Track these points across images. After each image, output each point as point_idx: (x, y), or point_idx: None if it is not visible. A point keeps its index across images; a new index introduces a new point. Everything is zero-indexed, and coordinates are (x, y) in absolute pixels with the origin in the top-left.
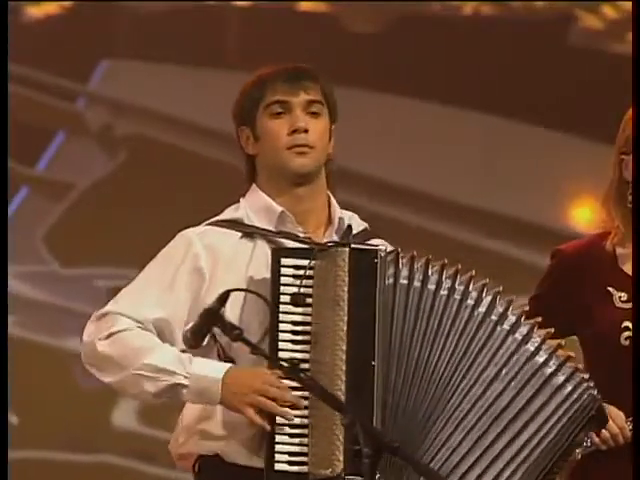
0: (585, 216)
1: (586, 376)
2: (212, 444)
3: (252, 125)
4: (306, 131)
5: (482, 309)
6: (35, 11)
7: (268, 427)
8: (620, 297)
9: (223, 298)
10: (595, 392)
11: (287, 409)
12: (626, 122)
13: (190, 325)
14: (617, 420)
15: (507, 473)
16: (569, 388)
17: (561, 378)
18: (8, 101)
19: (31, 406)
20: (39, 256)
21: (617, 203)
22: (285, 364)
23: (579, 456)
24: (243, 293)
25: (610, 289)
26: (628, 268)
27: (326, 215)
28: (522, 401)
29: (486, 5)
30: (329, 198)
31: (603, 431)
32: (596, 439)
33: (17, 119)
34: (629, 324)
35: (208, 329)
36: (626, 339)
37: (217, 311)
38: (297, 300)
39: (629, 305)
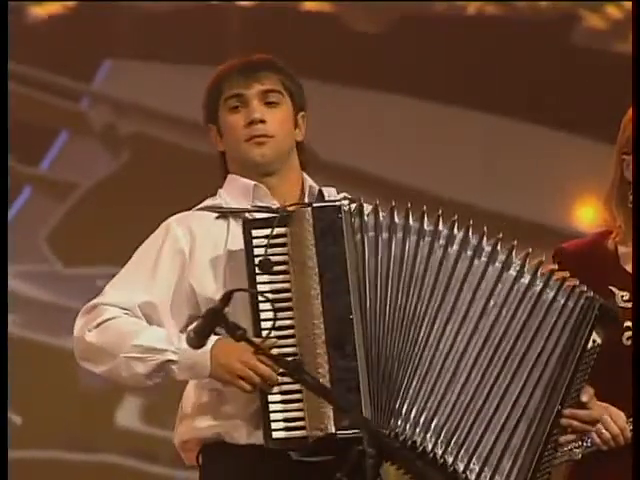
0: (588, 215)
1: (576, 282)
2: (212, 425)
3: (216, 122)
4: (263, 121)
5: (455, 246)
6: (39, 11)
7: (249, 389)
8: (622, 296)
9: (226, 298)
10: (591, 294)
11: (272, 377)
12: (627, 122)
13: (193, 325)
14: (618, 421)
15: (525, 397)
16: (562, 300)
17: (551, 294)
18: (8, 100)
19: (34, 406)
20: (42, 256)
21: (619, 203)
22: (290, 364)
23: (579, 456)
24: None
25: (612, 288)
26: (630, 267)
27: (299, 189)
28: (518, 326)
29: (490, 5)
30: (302, 177)
31: (604, 431)
32: (597, 440)
33: (20, 119)
34: (631, 324)
35: (211, 329)
36: (628, 339)
37: (220, 311)
38: (265, 266)
39: (631, 304)
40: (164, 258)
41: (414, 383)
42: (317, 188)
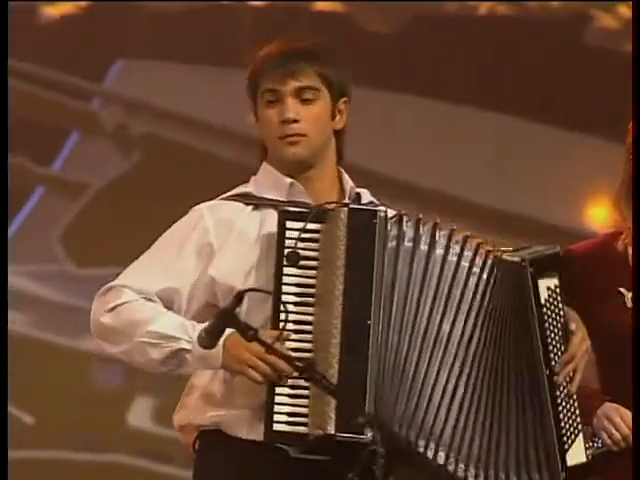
0: (600, 216)
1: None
2: (213, 414)
3: (256, 107)
4: (296, 120)
5: (485, 275)
6: (51, 11)
7: (259, 379)
8: (632, 297)
9: (238, 298)
10: (516, 258)
11: (282, 373)
12: None
13: (205, 325)
14: (629, 421)
15: (514, 402)
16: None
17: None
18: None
19: (45, 406)
20: (54, 256)
21: (628, 203)
22: (300, 364)
23: (590, 457)
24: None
25: (622, 290)
26: None
27: (337, 189)
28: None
29: (501, 5)
30: (340, 173)
31: (614, 432)
32: (608, 440)
33: (32, 119)
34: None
35: (223, 329)
36: None
37: (232, 311)
38: (292, 258)
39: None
40: (190, 249)
41: (418, 399)
42: (355, 190)
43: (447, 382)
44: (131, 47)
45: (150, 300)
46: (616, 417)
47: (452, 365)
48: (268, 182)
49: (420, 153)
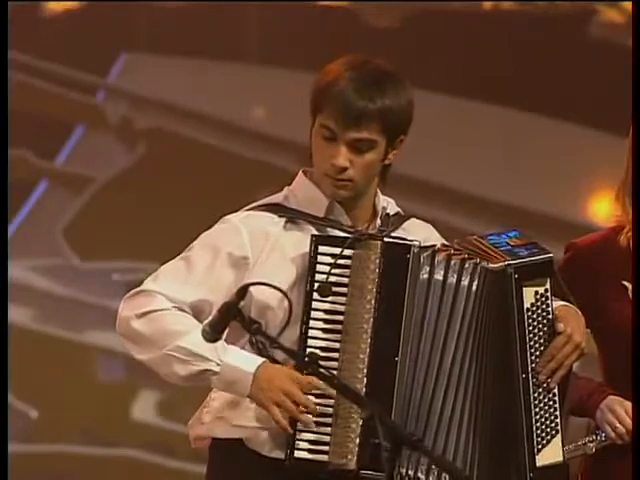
0: (605, 209)
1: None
2: (239, 432)
3: (313, 123)
4: (345, 169)
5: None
6: (55, 5)
7: (290, 429)
8: (632, 293)
9: (242, 292)
10: (497, 265)
11: (308, 416)
12: None
13: (209, 319)
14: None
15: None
16: (474, 286)
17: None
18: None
19: (50, 400)
20: (58, 249)
21: (630, 198)
22: (306, 359)
23: (593, 450)
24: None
25: (625, 283)
26: None
27: (371, 208)
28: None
29: (506, 0)
30: (376, 192)
31: (618, 425)
32: (612, 433)
33: (37, 112)
34: None
35: (226, 323)
36: None
37: (235, 305)
38: (323, 291)
39: None
40: (225, 263)
41: (436, 436)
42: (387, 211)
43: (461, 415)
44: (135, 41)
45: (182, 310)
46: (620, 410)
47: (457, 393)
48: (305, 197)
49: (425, 149)
